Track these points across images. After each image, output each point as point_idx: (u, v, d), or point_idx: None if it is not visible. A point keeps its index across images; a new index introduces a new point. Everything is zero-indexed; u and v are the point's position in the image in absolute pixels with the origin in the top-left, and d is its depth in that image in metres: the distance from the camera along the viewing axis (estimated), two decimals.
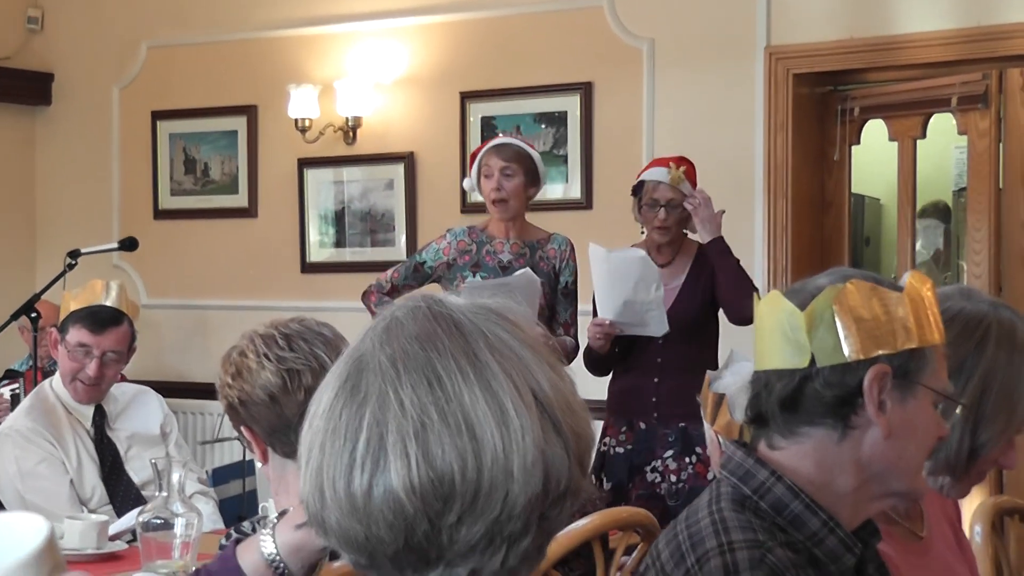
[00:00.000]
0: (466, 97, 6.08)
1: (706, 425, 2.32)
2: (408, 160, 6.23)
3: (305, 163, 6.43)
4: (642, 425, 4.52)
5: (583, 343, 4.60)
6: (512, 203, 4.54)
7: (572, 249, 4.64)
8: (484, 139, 4.65)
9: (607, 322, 4.47)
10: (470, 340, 1.17)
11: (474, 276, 4.58)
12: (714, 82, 5.61)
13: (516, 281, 4.33)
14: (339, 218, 6.42)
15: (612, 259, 4.46)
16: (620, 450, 4.55)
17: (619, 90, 5.80)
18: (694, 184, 4.62)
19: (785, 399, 1.69)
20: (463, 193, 6.06)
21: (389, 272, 4.70)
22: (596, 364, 4.60)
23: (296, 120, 6.27)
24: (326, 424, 1.18)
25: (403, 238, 6.25)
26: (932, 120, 5.43)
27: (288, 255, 6.52)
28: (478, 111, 6.08)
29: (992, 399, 2.02)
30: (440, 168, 6.16)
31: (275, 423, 2.08)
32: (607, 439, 4.59)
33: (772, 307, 1.72)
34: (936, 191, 7.06)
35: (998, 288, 5.14)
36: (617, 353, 4.59)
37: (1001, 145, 5.18)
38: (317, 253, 6.48)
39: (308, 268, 6.49)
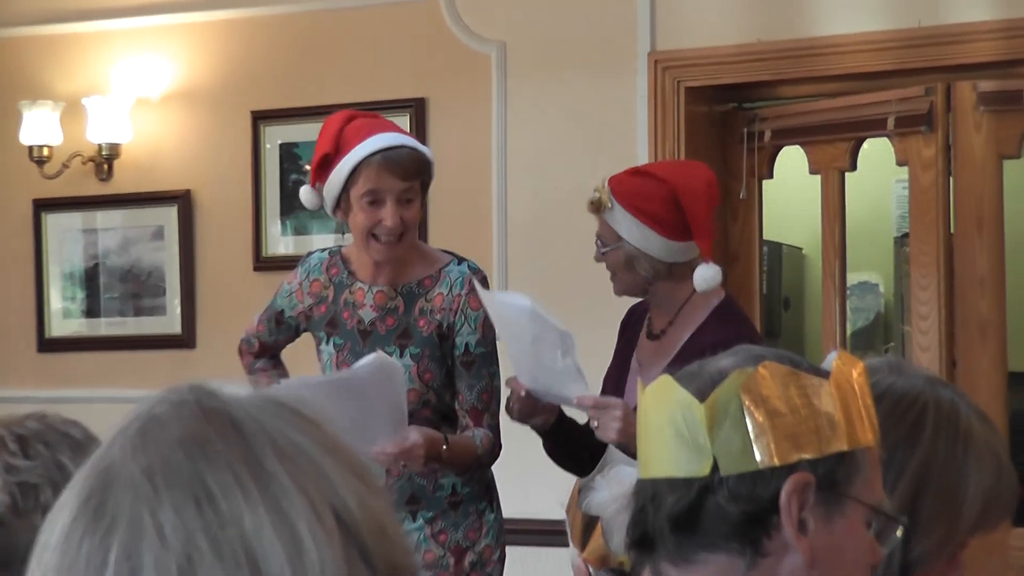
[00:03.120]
0: (259, 118, 6.08)
1: (572, 550, 2.32)
2: (183, 201, 6.19)
3: (43, 205, 6.36)
4: None
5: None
6: (408, 235, 3.95)
7: (476, 289, 3.96)
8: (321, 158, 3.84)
9: (522, 391, 3.88)
10: (253, 445, 1.17)
11: (328, 342, 4.01)
12: (584, 98, 5.67)
13: (362, 374, 3.71)
14: (90, 278, 6.34)
15: (496, 304, 3.96)
16: None
17: (461, 108, 5.84)
18: (654, 207, 3.94)
19: (679, 517, 1.69)
20: (257, 245, 6.03)
21: (255, 323, 4.22)
22: (552, 453, 4.13)
23: (31, 148, 6.20)
24: (60, 559, 1.16)
25: (177, 303, 6.19)
26: (864, 147, 5.54)
27: (20, 328, 6.43)
28: (275, 136, 6.06)
29: (929, 501, 1.98)
30: (226, 211, 6.13)
31: (1, 554, 2.05)
32: None
33: (662, 397, 1.72)
34: (873, 237, 7.20)
35: (952, 362, 5.22)
36: (570, 434, 4.06)
37: (951, 179, 5.27)
38: (60, 326, 6.39)
39: (47, 346, 6.40)
